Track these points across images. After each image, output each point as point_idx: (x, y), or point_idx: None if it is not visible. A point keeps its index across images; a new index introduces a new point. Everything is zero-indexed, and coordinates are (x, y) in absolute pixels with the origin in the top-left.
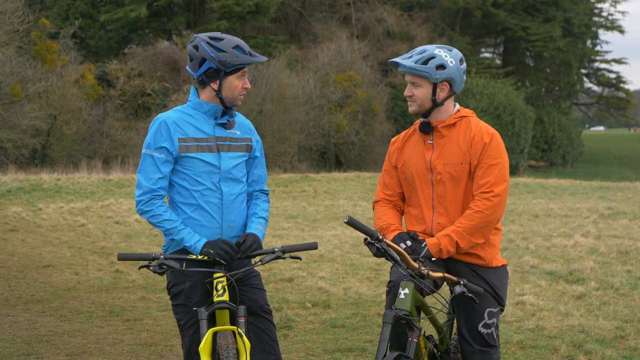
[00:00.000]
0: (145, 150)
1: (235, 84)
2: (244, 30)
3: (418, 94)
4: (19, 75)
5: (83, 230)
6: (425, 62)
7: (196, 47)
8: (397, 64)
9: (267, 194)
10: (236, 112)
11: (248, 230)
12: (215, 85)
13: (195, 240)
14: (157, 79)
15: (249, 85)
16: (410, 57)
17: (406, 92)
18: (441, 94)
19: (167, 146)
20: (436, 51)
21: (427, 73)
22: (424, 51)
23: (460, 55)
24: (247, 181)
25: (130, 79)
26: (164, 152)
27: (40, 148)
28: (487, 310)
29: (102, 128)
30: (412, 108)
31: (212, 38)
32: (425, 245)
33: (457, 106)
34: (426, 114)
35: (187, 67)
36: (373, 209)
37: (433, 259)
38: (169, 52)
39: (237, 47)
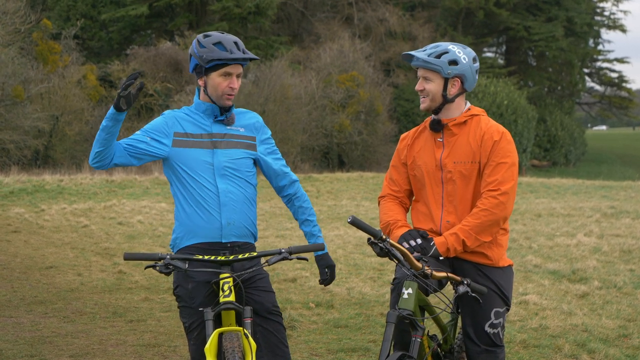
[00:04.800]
0: None
1: (218, 82)
2: (246, 31)
3: (429, 88)
4: (21, 76)
5: (86, 231)
6: (438, 56)
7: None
8: (410, 57)
9: (298, 188)
10: (246, 110)
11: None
12: (201, 82)
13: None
14: (160, 79)
15: (235, 85)
16: (424, 51)
17: (417, 87)
18: (452, 90)
19: (156, 137)
20: (450, 47)
21: (439, 67)
22: (437, 46)
23: (473, 54)
24: (274, 179)
25: None
26: (147, 134)
27: (42, 149)
28: (494, 310)
29: None
30: (423, 105)
31: (203, 35)
32: (434, 244)
33: (468, 104)
34: (436, 110)
35: None
36: (378, 204)
37: (441, 258)
38: (171, 52)
39: (218, 43)
